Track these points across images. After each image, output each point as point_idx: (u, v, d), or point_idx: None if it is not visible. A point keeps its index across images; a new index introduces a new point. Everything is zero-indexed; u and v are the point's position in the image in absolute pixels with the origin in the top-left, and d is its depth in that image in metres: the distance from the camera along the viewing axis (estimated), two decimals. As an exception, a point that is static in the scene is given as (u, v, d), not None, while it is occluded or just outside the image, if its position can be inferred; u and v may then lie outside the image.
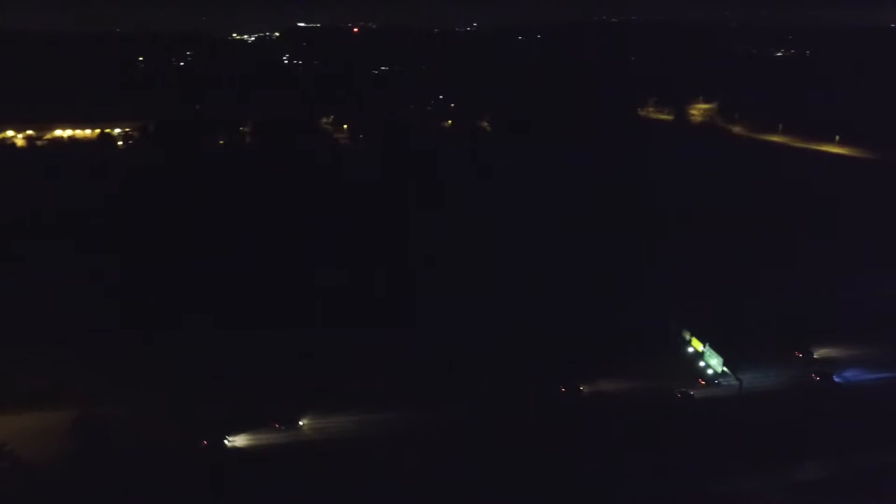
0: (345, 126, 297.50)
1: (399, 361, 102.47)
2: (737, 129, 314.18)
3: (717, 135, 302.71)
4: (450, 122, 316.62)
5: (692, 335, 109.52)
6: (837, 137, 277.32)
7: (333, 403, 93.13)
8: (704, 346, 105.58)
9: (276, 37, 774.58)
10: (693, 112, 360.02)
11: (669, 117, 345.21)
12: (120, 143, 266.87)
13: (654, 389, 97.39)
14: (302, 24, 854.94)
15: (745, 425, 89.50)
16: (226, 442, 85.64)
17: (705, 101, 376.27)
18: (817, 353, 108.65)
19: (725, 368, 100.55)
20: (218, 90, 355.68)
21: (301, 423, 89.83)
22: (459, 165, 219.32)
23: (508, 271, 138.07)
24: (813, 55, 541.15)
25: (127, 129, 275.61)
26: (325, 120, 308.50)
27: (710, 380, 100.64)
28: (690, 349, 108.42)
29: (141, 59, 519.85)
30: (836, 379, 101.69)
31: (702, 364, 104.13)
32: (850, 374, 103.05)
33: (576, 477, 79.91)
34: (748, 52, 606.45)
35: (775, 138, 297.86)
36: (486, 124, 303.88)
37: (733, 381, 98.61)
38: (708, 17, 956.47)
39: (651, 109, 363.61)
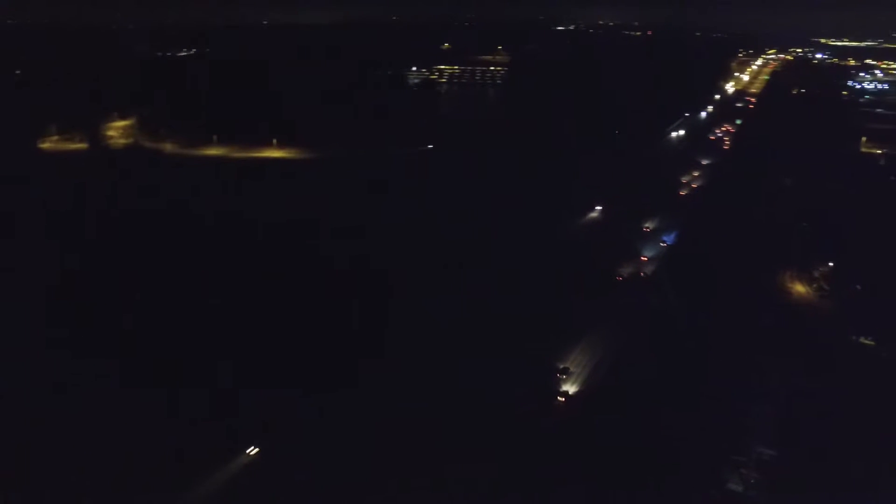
0: None
1: None
2: (168, 147, 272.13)
3: (144, 157, 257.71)
4: None
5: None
6: (275, 141, 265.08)
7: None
8: None
9: None
10: (111, 134, 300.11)
11: (83, 146, 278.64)
12: None
13: None
14: None
15: None
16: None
17: (121, 118, 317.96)
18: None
19: None
20: None
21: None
22: None
23: None
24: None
25: None
26: None
27: None
28: None
29: None
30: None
31: None
32: None
33: None
34: (154, 54, 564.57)
35: (213, 151, 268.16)
36: None
37: None
38: (101, 18, 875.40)
39: (56, 139, 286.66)
